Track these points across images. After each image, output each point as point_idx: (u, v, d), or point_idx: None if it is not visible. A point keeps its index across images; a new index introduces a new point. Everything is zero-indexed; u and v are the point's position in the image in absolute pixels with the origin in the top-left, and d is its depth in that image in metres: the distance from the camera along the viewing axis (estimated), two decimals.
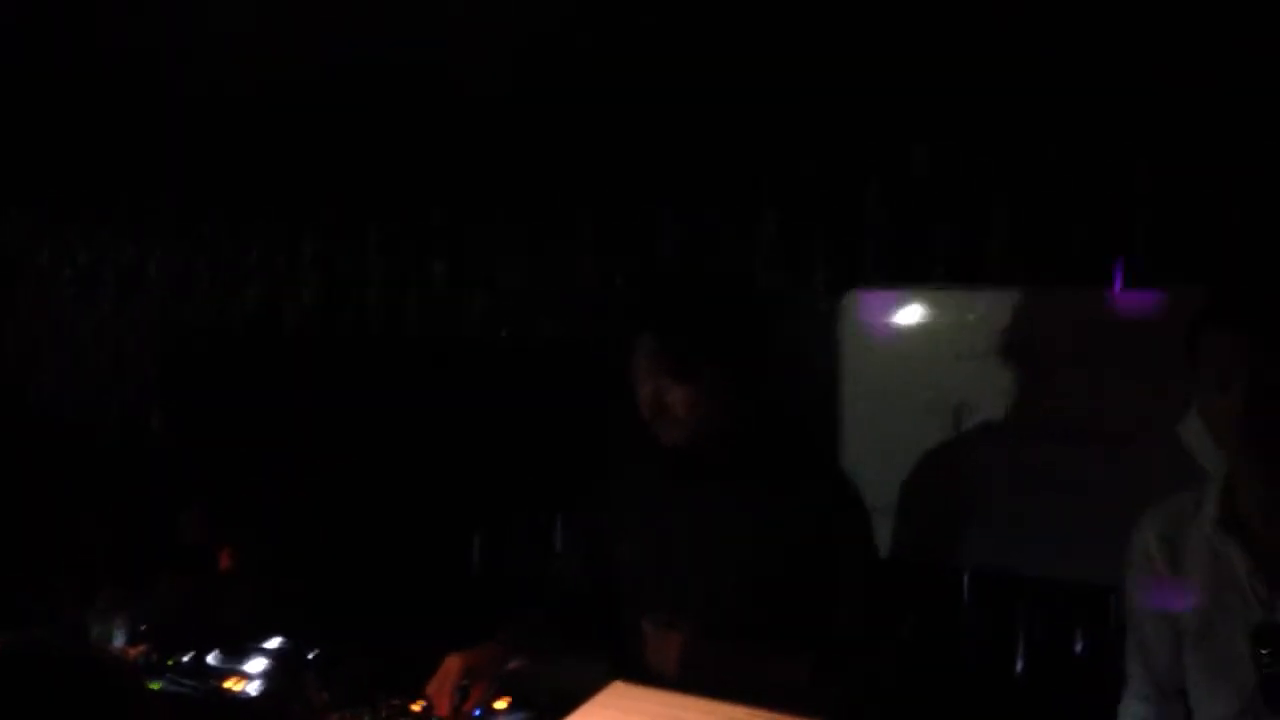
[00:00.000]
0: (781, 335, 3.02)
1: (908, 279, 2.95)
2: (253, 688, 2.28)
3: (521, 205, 3.58)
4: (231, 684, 2.29)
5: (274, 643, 2.45)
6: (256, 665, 2.35)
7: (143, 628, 2.51)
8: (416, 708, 2.12)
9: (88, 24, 3.09)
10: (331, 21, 3.11)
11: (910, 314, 2.95)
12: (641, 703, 1.79)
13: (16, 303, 4.80)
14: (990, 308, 2.82)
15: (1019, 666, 2.84)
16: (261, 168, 4.03)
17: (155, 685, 2.28)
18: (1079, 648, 2.78)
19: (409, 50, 3.29)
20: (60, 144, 4.35)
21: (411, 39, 3.20)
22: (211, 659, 2.39)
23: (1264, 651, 1.60)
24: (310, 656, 2.38)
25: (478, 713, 2.10)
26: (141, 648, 2.48)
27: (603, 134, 3.39)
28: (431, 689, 2.09)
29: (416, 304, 3.79)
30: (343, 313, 3.94)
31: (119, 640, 2.46)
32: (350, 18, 3.10)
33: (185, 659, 2.39)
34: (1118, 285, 2.72)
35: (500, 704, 2.14)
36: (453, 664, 2.10)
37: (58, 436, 4.40)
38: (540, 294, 3.53)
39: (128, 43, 3.29)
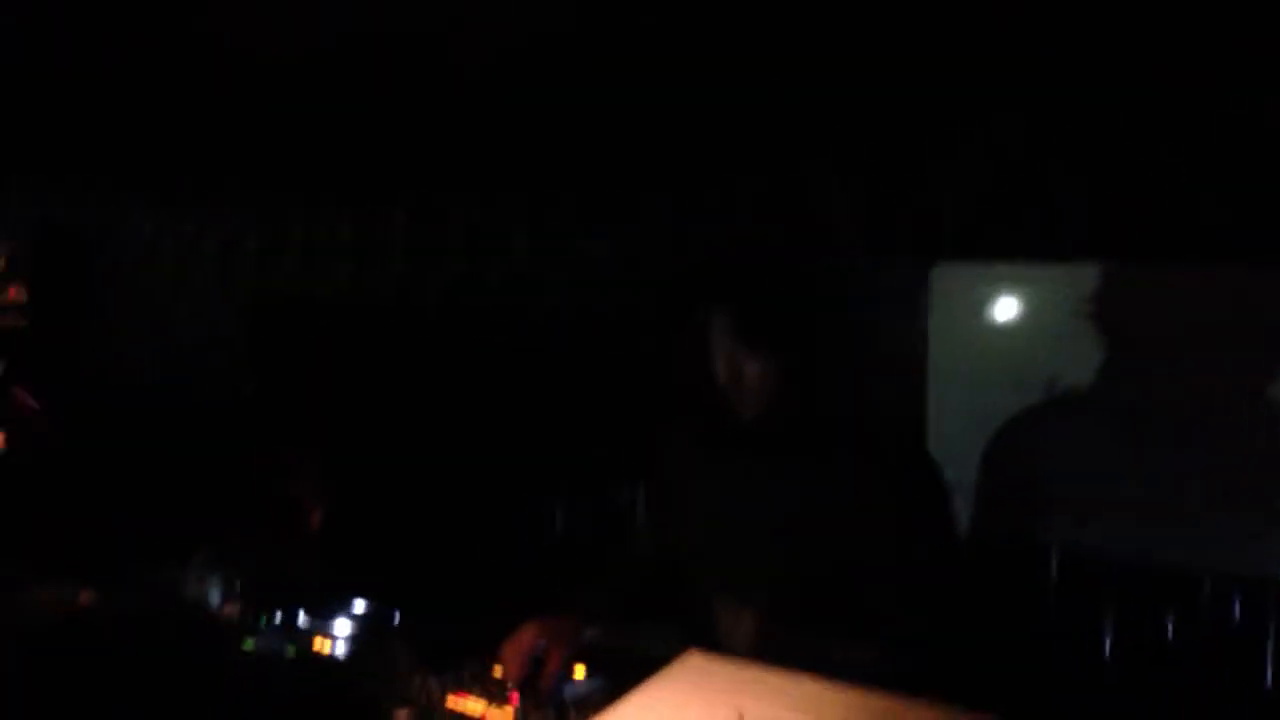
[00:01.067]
0: (867, 310, 3.00)
1: (996, 253, 2.91)
2: (340, 649, 2.34)
3: (601, 182, 3.59)
4: (319, 644, 2.36)
5: (359, 606, 2.51)
6: (343, 627, 2.41)
7: (237, 587, 2.59)
8: (498, 673, 2.16)
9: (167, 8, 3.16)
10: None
11: (1000, 289, 2.90)
12: (717, 672, 1.80)
13: (109, 276, 4.97)
14: (1083, 283, 2.77)
15: (1106, 649, 2.79)
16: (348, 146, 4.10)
17: (248, 644, 2.36)
18: (1167, 631, 2.72)
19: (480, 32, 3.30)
20: (141, 125, 4.47)
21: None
22: (301, 620, 2.46)
23: None
24: (395, 620, 2.44)
25: (559, 680, 2.13)
26: (235, 607, 2.56)
27: (679, 108, 3.38)
28: (506, 653, 2.12)
29: (497, 278, 3.83)
30: (423, 286, 4.00)
31: (213, 599, 2.53)
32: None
33: (276, 619, 2.47)
34: (1217, 263, 2.64)
35: (579, 672, 2.17)
36: (529, 630, 2.13)
37: (150, 403, 4.55)
38: (620, 267, 3.55)
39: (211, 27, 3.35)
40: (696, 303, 2.14)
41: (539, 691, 2.08)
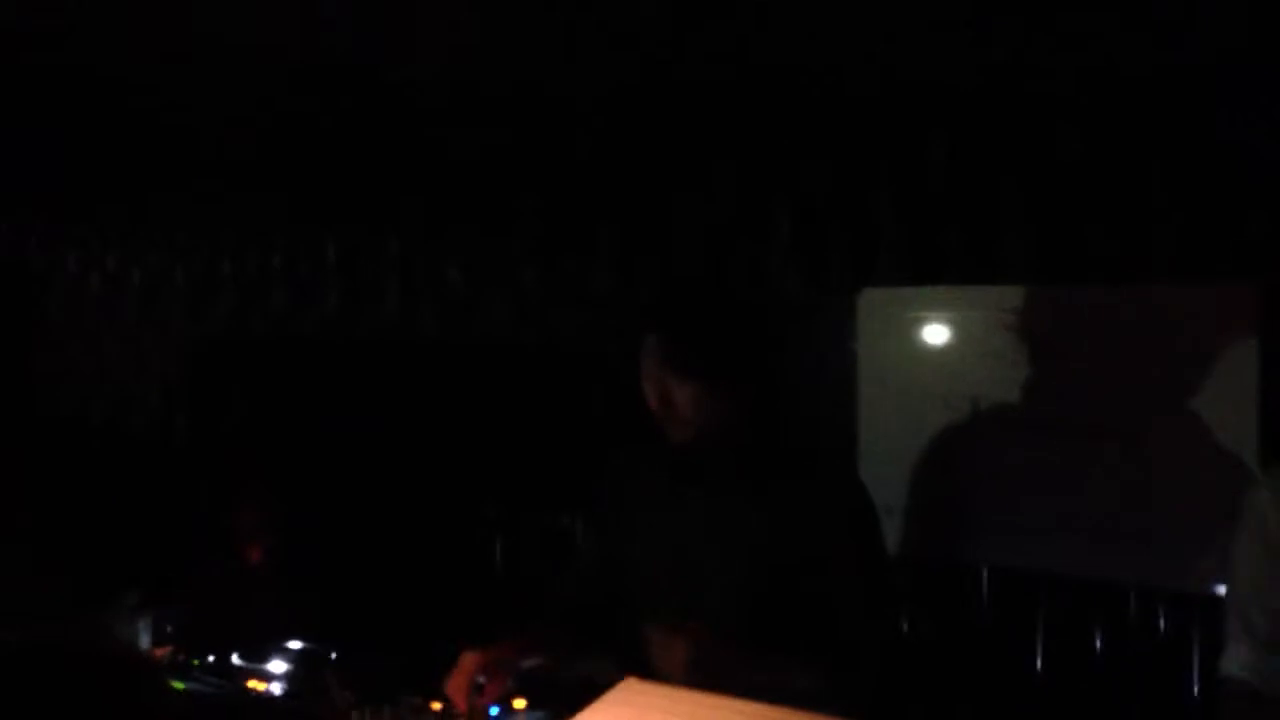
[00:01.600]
0: (796, 335, 3.04)
1: (922, 278, 2.96)
2: (276, 687, 2.31)
3: (540, 211, 3.61)
4: (255, 684, 2.33)
5: (295, 643, 2.48)
6: (279, 666, 2.38)
7: (168, 628, 2.55)
8: (436, 706, 2.14)
9: (123, 28, 3.13)
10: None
11: (926, 312, 2.96)
12: (654, 699, 1.80)
13: (47, 311, 4.88)
14: (1007, 305, 2.83)
15: (1037, 664, 2.84)
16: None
17: (180, 685, 2.32)
18: (1095, 644, 2.78)
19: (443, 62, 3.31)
20: (89, 152, 4.41)
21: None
22: (235, 659, 2.42)
23: None
24: (332, 656, 2.41)
25: (495, 710, 2.12)
26: (167, 648, 2.52)
27: (619, 138, 3.42)
28: (450, 686, 2.11)
29: (432, 307, 3.83)
30: (360, 318, 3.99)
31: (144, 640, 2.49)
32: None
33: (210, 659, 2.43)
34: (1134, 282, 2.72)
35: (518, 703, 2.16)
36: (469, 660, 2.12)
37: (84, 440, 4.46)
38: (555, 297, 3.56)
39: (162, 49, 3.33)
40: (630, 331, 2.16)
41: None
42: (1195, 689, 2.66)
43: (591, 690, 1.89)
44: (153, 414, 4.50)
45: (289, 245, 4.17)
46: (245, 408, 4.15)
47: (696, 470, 2.17)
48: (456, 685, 2.10)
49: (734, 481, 2.14)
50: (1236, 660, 2.03)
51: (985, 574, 2.90)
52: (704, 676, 1.93)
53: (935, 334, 2.95)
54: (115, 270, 4.70)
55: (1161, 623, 2.72)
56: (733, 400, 2.11)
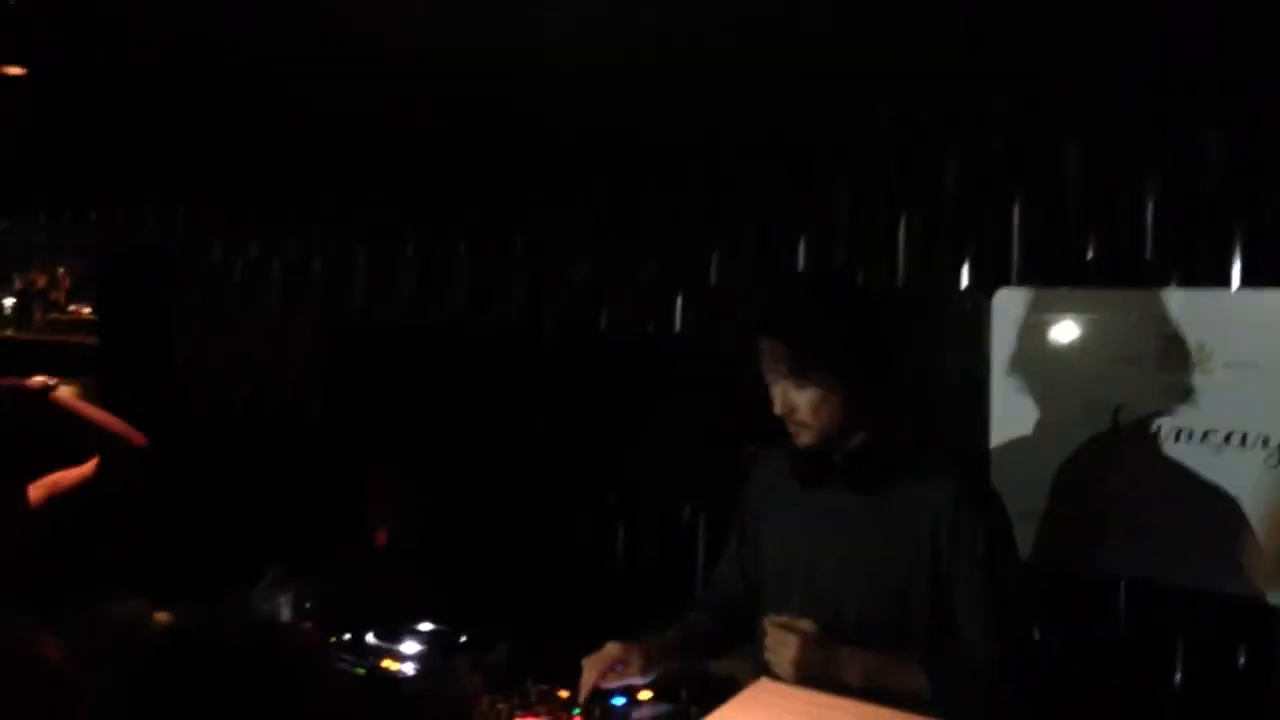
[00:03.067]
0: (932, 335, 3.00)
1: (1063, 279, 2.90)
2: (408, 668, 2.37)
3: (665, 206, 3.63)
4: (389, 663, 2.39)
5: (427, 626, 2.54)
6: (411, 647, 2.44)
7: (307, 605, 2.63)
8: (563, 694, 2.17)
9: (256, 25, 3.23)
10: None
11: (1066, 314, 2.88)
12: (787, 700, 1.80)
13: (189, 297, 5.07)
14: (1150, 309, 2.75)
15: (1175, 680, 2.75)
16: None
17: None
18: (1235, 661, 2.68)
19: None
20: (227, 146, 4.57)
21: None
22: (370, 639, 2.49)
23: None
24: (462, 641, 2.46)
25: (621, 700, 2.14)
26: (306, 626, 2.60)
27: (742, 137, 3.41)
28: (585, 664, 2.14)
29: (560, 303, 3.88)
30: (493, 309, 4.06)
31: (284, 618, 2.58)
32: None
33: (347, 637, 2.51)
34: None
35: (643, 694, 2.18)
36: (609, 649, 2.15)
37: (225, 424, 4.63)
38: (686, 293, 3.58)
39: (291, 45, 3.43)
40: (750, 336, 2.15)
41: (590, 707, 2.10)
42: None
43: (723, 689, 1.90)
44: (293, 398, 4.65)
45: (423, 238, 4.27)
46: (383, 393, 4.25)
47: (821, 472, 2.15)
48: (589, 665, 2.13)
49: (856, 483, 2.12)
50: None
51: (1121, 586, 2.82)
52: (812, 676, 1.92)
53: (1074, 337, 2.88)
54: (257, 257, 4.86)
55: None
56: (854, 402, 2.09)
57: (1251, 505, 2.63)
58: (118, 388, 4.78)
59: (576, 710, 2.11)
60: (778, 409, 2.11)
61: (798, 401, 2.08)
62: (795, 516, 2.21)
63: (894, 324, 2.30)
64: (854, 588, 2.10)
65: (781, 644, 1.99)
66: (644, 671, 2.15)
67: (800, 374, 2.06)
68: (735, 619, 2.33)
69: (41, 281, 6.09)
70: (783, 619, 2.05)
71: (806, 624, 2.02)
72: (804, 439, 2.11)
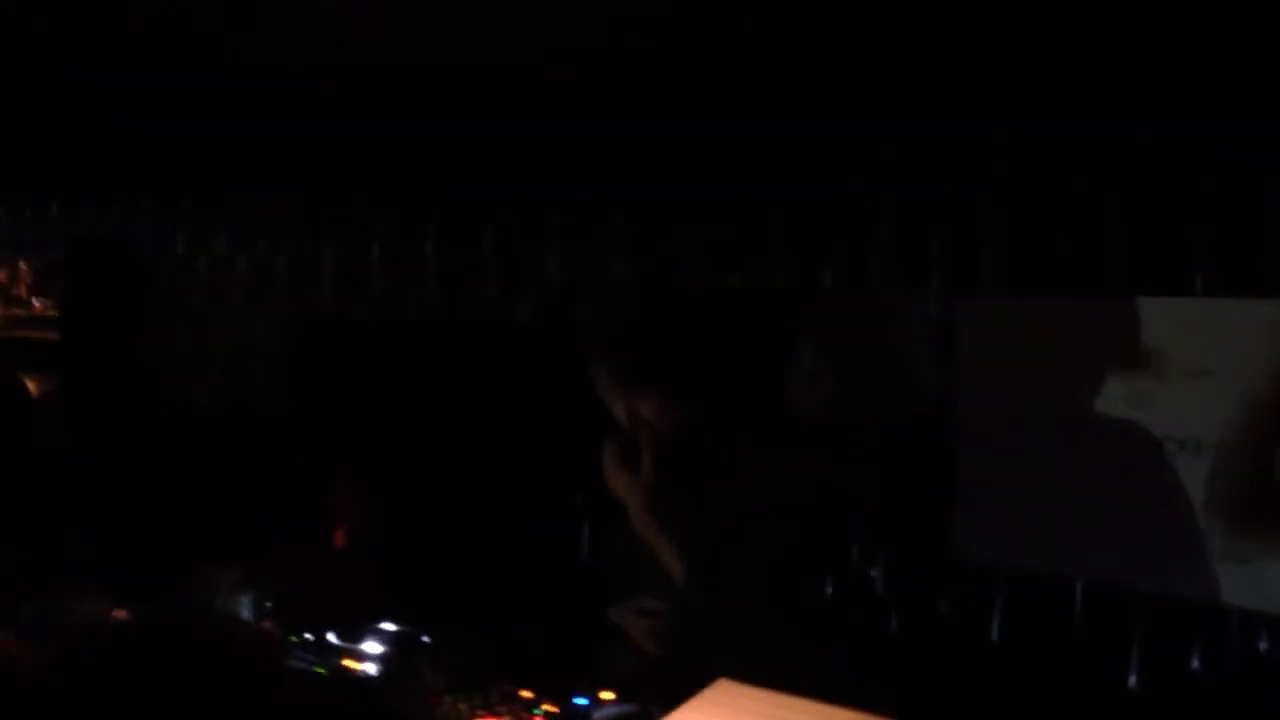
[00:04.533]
0: (899, 343, 3.02)
1: (1026, 286, 2.92)
2: (370, 667, 2.36)
3: (637, 204, 3.63)
4: (350, 663, 2.38)
5: (389, 625, 2.53)
6: (373, 646, 2.44)
7: (267, 604, 2.62)
8: (525, 693, 2.18)
9: (227, 14, 3.22)
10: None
11: (1029, 323, 2.91)
12: (748, 700, 1.81)
13: (154, 291, 5.03)
14: (1112, 317, 2.78)
15: (1131, 682, 2.79)
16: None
17: None
18: (1189, 662, 2.72)
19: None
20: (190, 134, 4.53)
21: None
22: (332, 638, 2.48)
23: None
24: (424, 640, 2.46)
25: (584, 701, 2.15)
26: (266, 624, 2.59)
27: (716, 138, 3.42)
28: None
29: (533, 293, 3.88)
30: (457, 304, 4.05)
31: (245, 616, 2.56)
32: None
33: (308, 636, 2.50)
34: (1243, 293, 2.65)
35: (606, 694, 2.19)
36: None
37: (188, 420, 4.59)
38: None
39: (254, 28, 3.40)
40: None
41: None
42: None
43: (682, 690, 1.91)
44: (258, 394, 4.62)
45: (389, 232, 4.26)
46: (345, 390, 4.23)
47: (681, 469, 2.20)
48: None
49: (720, 471, 2.19)
50: None
51: (1078, 589, 2.85)
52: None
53: (1037, 345, 2.90)
54: (223, 252, 4.83)
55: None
56: (697, 407, 2.13)
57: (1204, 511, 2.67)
58: (80, 385, 4.74)
59: (538, 711, 2.12)
60: (624, 424, 2.16)
61: (644, 410, 2.15)
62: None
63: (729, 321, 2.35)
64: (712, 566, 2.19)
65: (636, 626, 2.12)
66: None
67: (639, 384, 2.11)
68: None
69: (1, 277, 6.01)
70: (632, 605, 2.17)
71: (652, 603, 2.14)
72: (655, 445, 2.19)
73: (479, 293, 4.02)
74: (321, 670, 2.35)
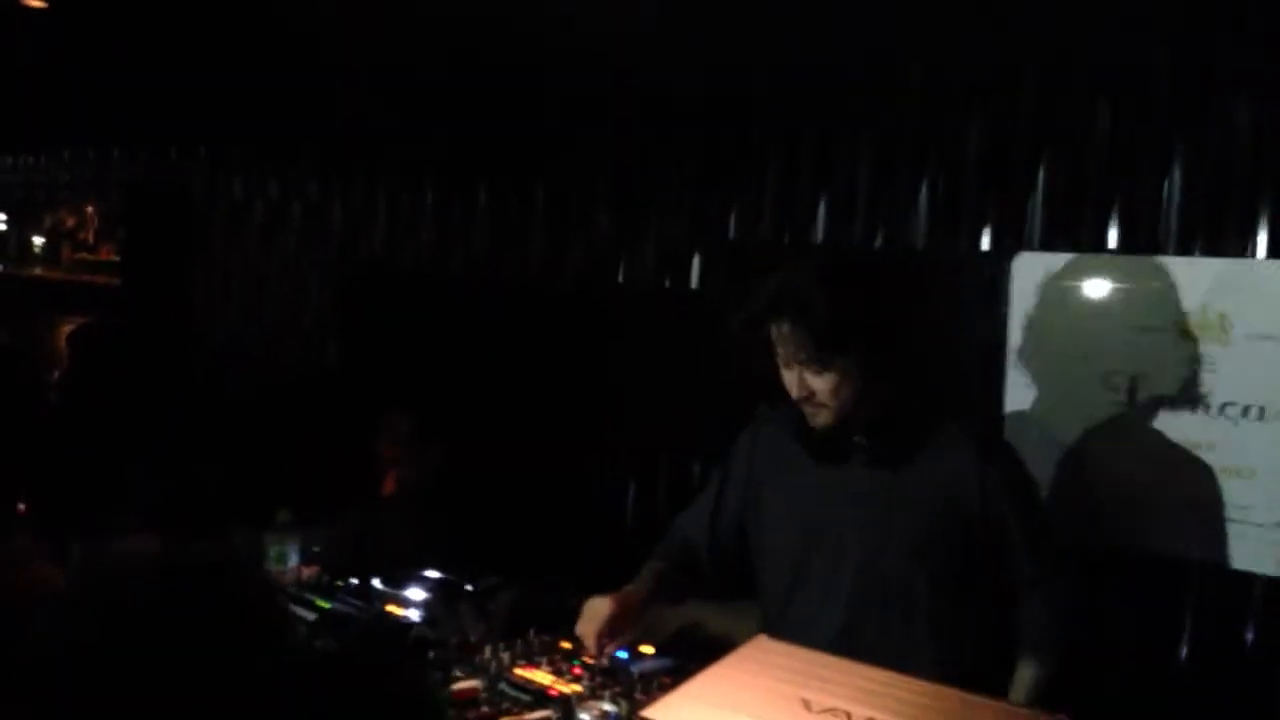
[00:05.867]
0: (949, 300, 2.97)
1: (1083, 245, 2.85)
2: (413, 613, 2.39)
3: (686, 164, 3.60)
4: (393, 608, 2.41)
5: (434, 573, 2.56)
6: (417, 593, 2.46)
7: (315, 549, 2.66)
8: (565, 644, 2.19)
9: None
10: None
11: (1085, 281, 2.84)
12: (784, 658, 1.81)
13: (207, 238, 5.09)
14: (1171, 278, 2.71)
15: (1183, 653, 2.74)
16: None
17: (325, 604, 2.42)
18: (1243, 635, 2.67)
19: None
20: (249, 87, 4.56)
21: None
22: (376, 583, 2.51)
23: None
24: (467, 589, 2.48)
25: (624, 654, 2.16)
26: (314, 568, 2.63)
27: (759, 100, 3.38)
28: (581, 629, 2.14)
29: (578, 255, 3.87)
30: (508, 260, 4.06)
31: (293, 560, 2.60)
32: None
33: (353, 581, 2.53)
34: None
35: (645, 648, 2.19)
36: (600, 606, 2.15)
37: (240, 367, 4.66)
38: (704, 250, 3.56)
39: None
40: (759, 321, 2.11)
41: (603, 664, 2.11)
42: None
43: (722, 646, 1.91)
44: (310, 340, 4.67)
45: (444, 184, 4.26)
46: (401, 339, 4.26)
47: (840, 452, 2.13)
48: (587, 629, 2.13)
49: (877, 460, 2.11)
50: None
51: (1133, 559, 2.80)
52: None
53: (1093, 304, 2.84)
54: (277, 197, 4.87)
55: None
56: (872, 380, 2.07)
57: (1269, 478, 2.60)
58: (139, 328, 4.83)
59: (577, 661, 2.13)
60: (795, 393, 2.07)
61: (816, 385, 2.04)
62: (810, 492, 2.18)
63: (910, 297, 2.27)
64: (874, 559, 2.09)
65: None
66: (635, 622, 2.17)
67: (821, 360, 2.03)
68: (690, 568, 2.34)
69: (70, 221, 6.12)
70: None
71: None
72: (822, 419, 2.09)
73: (532, 246, 4.01)
74: (363, 613, 2.38)
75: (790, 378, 2.08)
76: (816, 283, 2.06)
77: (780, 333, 2.06)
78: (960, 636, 2.07)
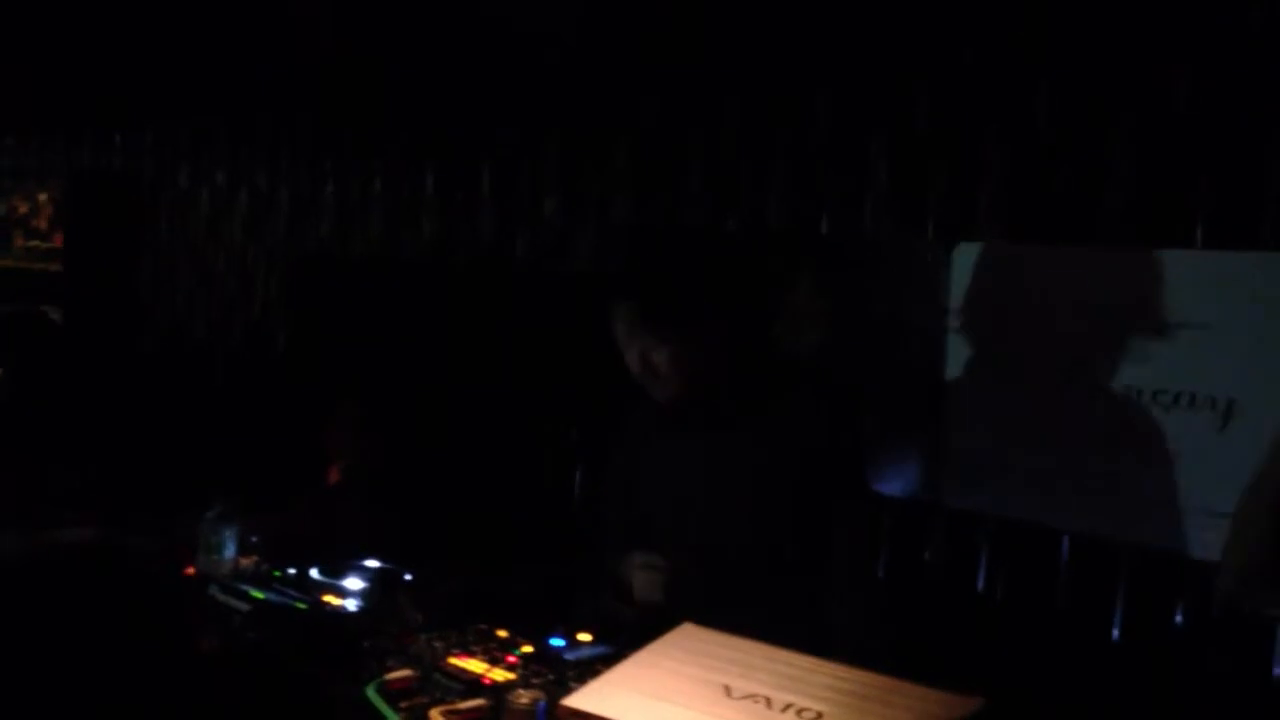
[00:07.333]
0: (890, 288, 2.99)
1: (1022, 233, 2.88)
2: (350, 604, 2.39)
3: (633, 144, 3.60)
4: (331, 599, 2.41)
5: (372, 563, 2.56)
6: (355, 583, 2.46)
7: (253, 539, 2.65)
8: (502, 634, 2.20)
9: None
10: None
11: (1023, 270, 2.87)
12: (708, 645, 1.82)
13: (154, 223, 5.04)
14: (1109, 266, 2.74)
15: (1112, 634, 2.78)
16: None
17: (259, 594, 2.41)
18: (1171, 616, 2.71)
19: None
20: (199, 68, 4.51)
21: None
22: (314, 574, 2.51)
23: None
24: (406, 578, 2.48)
25: (561, 642, 2.17)
26: (252, 558, 2.62)
27: (714, 86, 3.38)
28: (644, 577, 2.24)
29: (526, 239, 3.86)
30: (458, 240, 4.04)
31: (230, 550, 2.59)
32: None
33: (290, 572, 2.53)
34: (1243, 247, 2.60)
35: (583, 636, 2.21)
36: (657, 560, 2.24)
37: (184, 355, 4.62)
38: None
39: None
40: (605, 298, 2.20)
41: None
42: None
43: (651, 632, 1.93)
44: (256, 329, 4.63)
45: (391, 170, 4.24)
46: (342, 327, 4.24)
47: (683, 421, 2.24)
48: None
49: (722, 428, 2.21)
50: None
51: (1065, 541, 2.84)
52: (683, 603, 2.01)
53: (1032, 291, 2.87)
54: (224, 185, 4.82)
55: None
56: (712, 353, 2.15)
57: (1198, 466, 2.64)
58: (82, 316, 4.77)
59: (513, 650, 2.14)
60: (635, 368, 2.17)
61: (656, 359, 2.14)
62: (663, 457, 2.30)
63: (744, 271, 2.36)
64: (722, 520, 2.20)
65: (648, 579, 2.17)
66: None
67: (660, 332, 2.10)
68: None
69: (23, 208, 6.03)
70: (641, 559, 2.21)
71: (659, 559, 2.18)
72: (666, 393, 2.19)
73: (476, 231, 3.99)
74: (302, 605, 2.37)
75: (630, 354, 2.18)
76: (648, 256, 2.27)
77: (621, 309, 2.18)
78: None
